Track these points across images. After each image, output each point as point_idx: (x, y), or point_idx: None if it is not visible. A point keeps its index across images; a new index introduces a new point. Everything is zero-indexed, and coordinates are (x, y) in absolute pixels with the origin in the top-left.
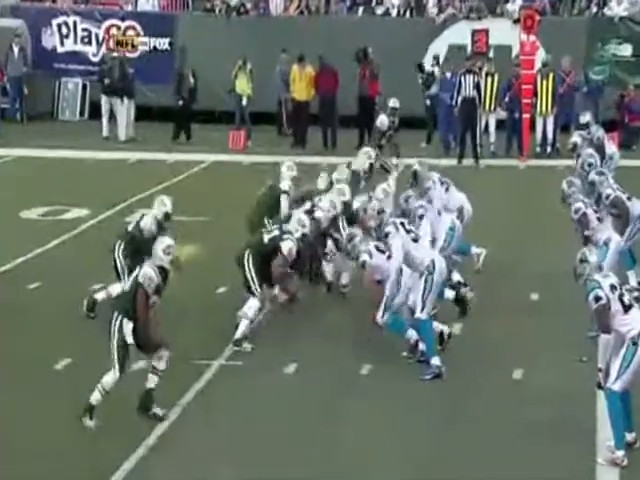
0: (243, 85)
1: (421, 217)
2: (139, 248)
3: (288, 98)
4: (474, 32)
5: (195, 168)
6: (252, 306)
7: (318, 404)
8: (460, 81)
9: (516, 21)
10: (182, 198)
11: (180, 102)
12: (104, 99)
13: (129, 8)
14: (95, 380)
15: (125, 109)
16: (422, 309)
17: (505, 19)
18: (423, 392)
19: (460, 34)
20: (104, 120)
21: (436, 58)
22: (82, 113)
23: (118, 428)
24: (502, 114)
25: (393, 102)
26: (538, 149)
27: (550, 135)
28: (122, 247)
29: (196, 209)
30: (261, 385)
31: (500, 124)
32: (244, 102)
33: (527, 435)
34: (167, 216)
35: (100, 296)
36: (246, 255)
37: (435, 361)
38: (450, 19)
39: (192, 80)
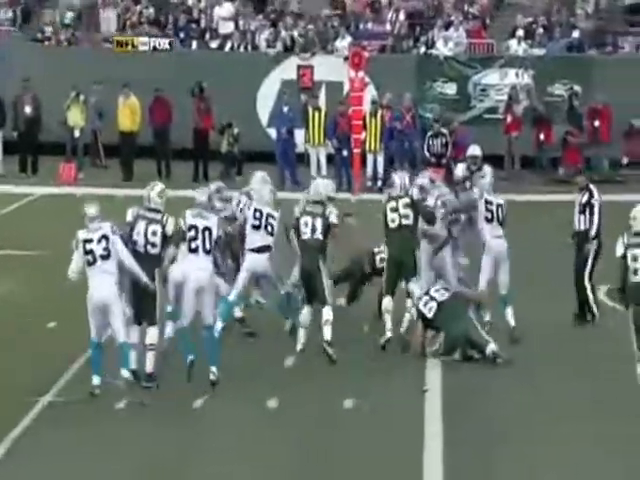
0: (76, 117)
1: None
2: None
3: (101, 129)
4: (299, 67)
5: (24, 200)
6: None
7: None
8: (429, 143)
9: (346, 58)
10: (10, 231)
11: (14, 133)
12: None
13: None
14: None
15: None
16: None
17: (337, 56)
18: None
19: (292, 70)
20: None
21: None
22: None
23: None
24: (331, 149)
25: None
26: (369, 183)
27: (380, 170)
28: None
29: (25, 242)
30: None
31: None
32: (77, 134)
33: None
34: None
35: None
36: None
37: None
38: (282, 55)
39: (29, 110)
